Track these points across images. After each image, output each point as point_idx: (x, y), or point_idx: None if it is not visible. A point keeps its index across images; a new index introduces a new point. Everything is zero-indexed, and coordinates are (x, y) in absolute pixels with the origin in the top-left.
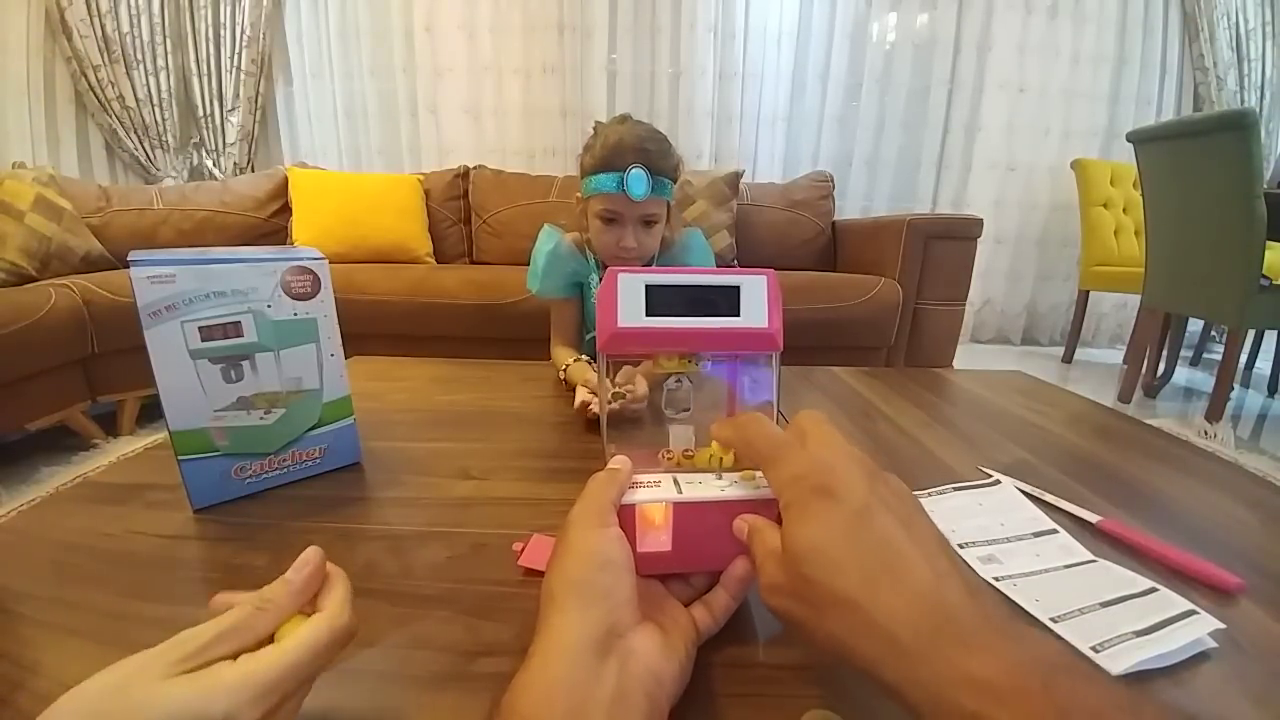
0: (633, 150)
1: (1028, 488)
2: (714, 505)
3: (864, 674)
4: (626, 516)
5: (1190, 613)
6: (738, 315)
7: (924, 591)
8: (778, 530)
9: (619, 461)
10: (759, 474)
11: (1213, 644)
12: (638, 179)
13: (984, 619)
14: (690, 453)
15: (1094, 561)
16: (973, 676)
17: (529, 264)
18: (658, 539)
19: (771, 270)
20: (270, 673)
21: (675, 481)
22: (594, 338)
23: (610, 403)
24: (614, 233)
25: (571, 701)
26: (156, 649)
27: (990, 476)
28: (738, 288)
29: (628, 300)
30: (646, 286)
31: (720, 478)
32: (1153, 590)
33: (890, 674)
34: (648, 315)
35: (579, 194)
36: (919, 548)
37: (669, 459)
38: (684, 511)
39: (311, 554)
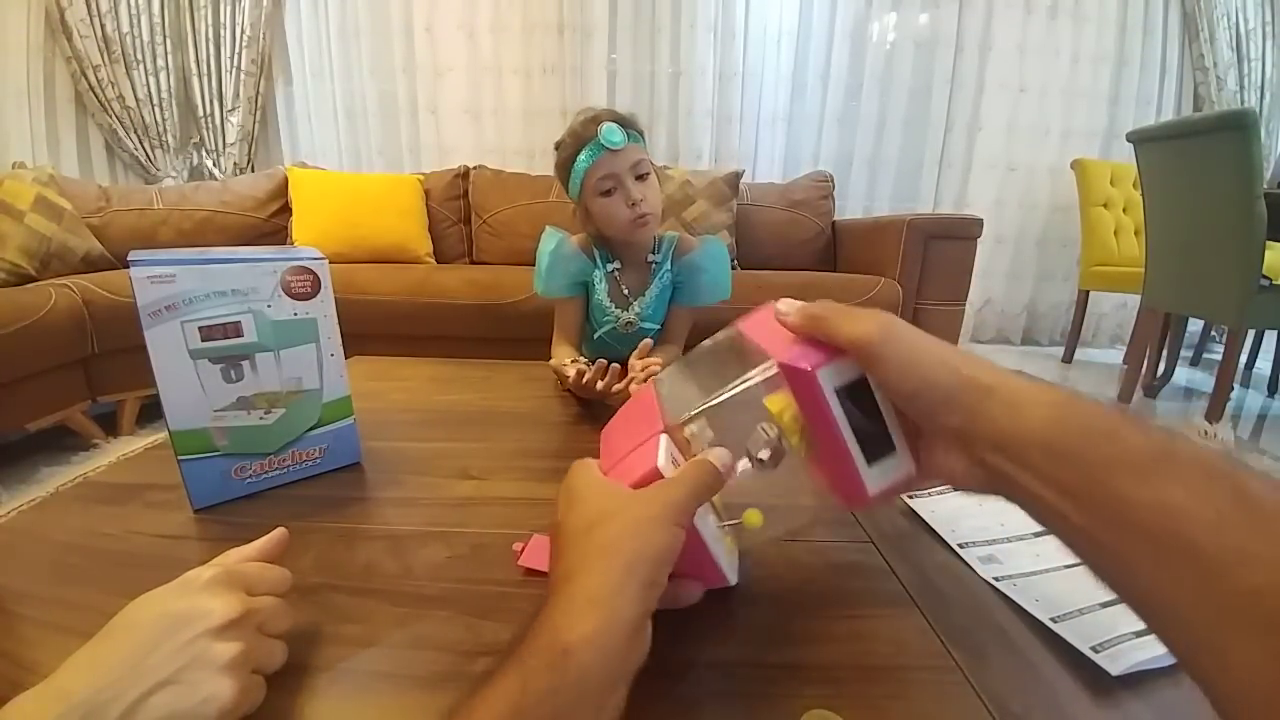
0: (593, 119)
1: None
2: (699, 538)
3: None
4: None
5: None
6: (869, 466)
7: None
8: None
9: (723, 456)
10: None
11: None
12: (611, 129)
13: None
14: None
15: None
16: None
17: (533, 264)
18: None
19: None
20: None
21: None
22: (599, 336)
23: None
24: (619, 197)
25: (619, 671)
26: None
27: None
28: (893, 457)
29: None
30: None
31: (721, 522)
32: None
33: (969, 368)
34: (844, 412)
35: (574, 202)
36: None
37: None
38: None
39: (279, 532)
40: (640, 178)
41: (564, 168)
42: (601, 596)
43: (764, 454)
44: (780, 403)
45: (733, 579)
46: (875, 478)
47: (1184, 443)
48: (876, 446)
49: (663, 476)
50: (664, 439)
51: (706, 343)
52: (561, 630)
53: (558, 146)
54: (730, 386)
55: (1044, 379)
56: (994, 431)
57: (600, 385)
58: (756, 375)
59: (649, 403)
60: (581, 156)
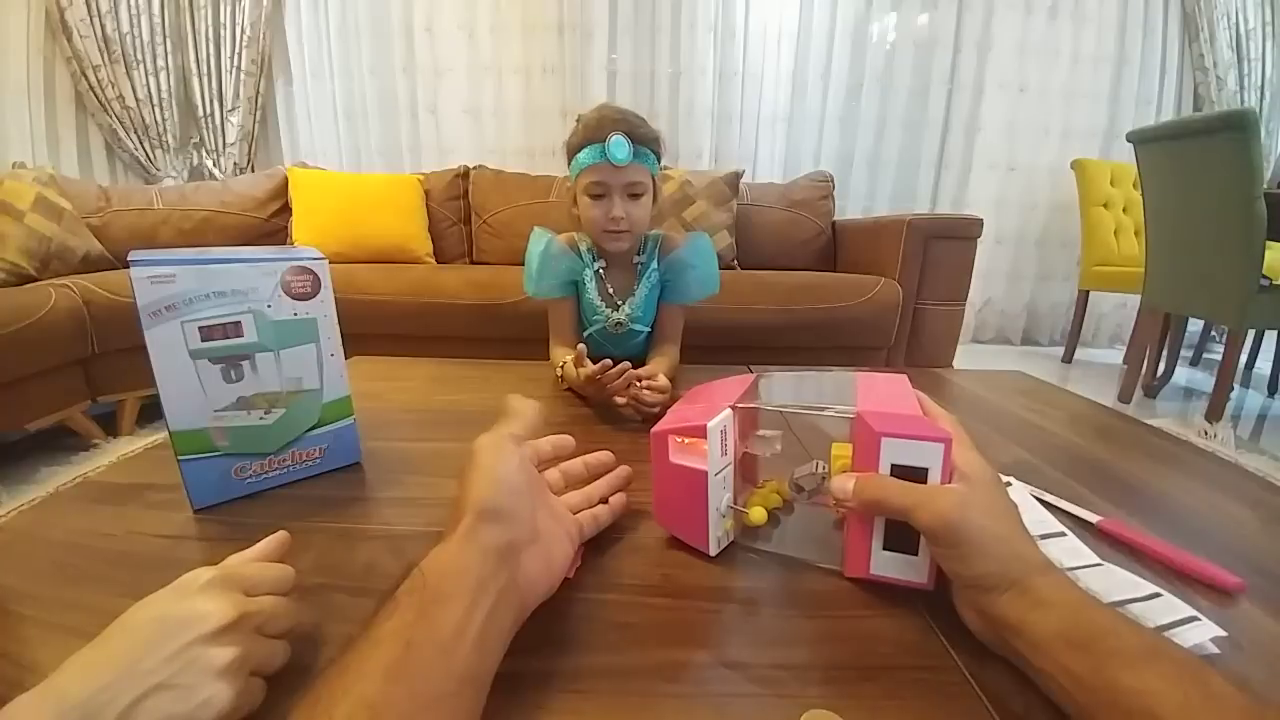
0: (612, 121)
1: (1029, 488)
2: (704, 499)
3: (995, 566)
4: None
5: (1192, 618)
6: (883, 550)
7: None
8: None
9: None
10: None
11: (1215, 650)
12: (618, 144)
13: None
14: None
15: (1100, 565)
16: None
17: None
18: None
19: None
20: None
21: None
22: (590, 335)
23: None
24: (602, 206)
25: (476, 580)
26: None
27: None
28: (910, 558)
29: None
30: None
31: (734, 504)
32: (1156, 595)
33: (1017, 570)
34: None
35: (568, 184)
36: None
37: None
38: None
39: (281, 534)
40: (632, 196)
41: (571, 151)
42: (454, 535)
43: (805, 482)
44: (844, 452)
45: (713, 551)
46: (883, 563)
47: (1166, 643)
48: (900, 539)
49: (705, 434)
50: (729, 412)
51: (833, 371)
52: (427, 560)
53: (571, 135)
54: (810, 406)
55: (1062, 573)
56: (1020, 624)
57: (604, 377)
58: (835, 409)
59: (742, 385)
60: (584, 154)
